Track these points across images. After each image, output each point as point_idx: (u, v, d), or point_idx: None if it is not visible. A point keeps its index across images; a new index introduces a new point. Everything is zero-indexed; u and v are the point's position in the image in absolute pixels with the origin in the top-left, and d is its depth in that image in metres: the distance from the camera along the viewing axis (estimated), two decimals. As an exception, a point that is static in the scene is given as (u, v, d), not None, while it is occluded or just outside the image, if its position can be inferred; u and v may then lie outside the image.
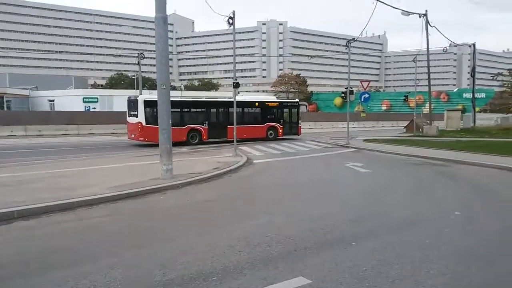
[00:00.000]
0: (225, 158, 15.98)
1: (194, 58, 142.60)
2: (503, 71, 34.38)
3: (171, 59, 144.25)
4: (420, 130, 32.51)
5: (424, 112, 47.18)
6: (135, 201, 8.54)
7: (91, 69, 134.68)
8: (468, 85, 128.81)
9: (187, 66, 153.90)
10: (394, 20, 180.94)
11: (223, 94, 53.19)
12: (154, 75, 20.79)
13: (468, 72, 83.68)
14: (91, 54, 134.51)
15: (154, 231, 6.32)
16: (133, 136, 23.29)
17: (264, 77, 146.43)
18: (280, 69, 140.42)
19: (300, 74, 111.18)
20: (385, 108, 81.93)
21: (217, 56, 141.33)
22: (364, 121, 56.11)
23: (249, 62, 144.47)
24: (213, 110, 25.94)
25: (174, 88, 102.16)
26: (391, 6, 24.13)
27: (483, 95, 72.16)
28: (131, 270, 4.66)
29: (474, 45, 38.62)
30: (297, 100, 31.40)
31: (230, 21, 15.89)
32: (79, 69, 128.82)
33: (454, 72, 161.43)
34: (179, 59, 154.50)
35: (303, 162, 15.88)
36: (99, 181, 10.12)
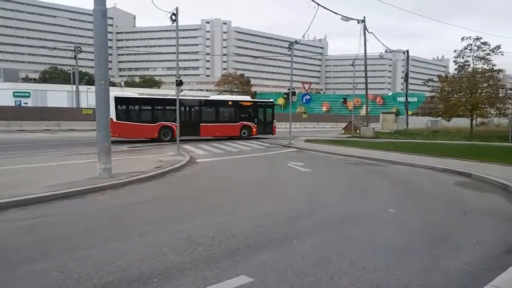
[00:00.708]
0: (168, 157, 15.73)
1: (135, 54, 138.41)
2: (433, 77, 36.50)
3: (110, 54, 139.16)
4: (358, 131, 33.89)
5: (361, 114, 49.26)
6: (71, 201, 8.15)
7: (23, 62, 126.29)
8: (401, 89, 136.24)
9: (128, 62, 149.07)
10: (335, 25, 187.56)
11: (167, 92, 52.04)
12: (92, 70, 19.97)
13: (402, 77, 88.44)
14: (22, 45, 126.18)
15: (90, 233, 6.05)
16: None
17: (208, 76, 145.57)
18: (224, 69, 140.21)
19: (244, 74, 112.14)
20: (325, 109, 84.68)
21: (159, 53, 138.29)
22: (306, 122, 57.50)
23: (193, 60, 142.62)
24: (186, 108, 26.25)
25: (113, 84, 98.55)
26: (332, 11, 24.90)
27: (415, 99, 77.28)
28: (66, 274, 4.42)
29: (407, 51, 41.02)
30: (271, 100, 31.49)
31: (173, 17, 15.59)
32: (8, 61, 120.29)
33: (389, 77, 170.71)
34: (119, 55, 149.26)
35: (246, 161, 15.97)
36: (33, 180, 9.53)
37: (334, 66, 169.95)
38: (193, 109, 26.61)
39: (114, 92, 24.60)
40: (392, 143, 24.36)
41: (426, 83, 35.73)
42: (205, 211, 7.48)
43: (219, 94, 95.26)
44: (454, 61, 32.92)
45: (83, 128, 36.53)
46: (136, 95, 27.04)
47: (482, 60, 31.15)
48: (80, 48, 49.45)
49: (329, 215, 7.34)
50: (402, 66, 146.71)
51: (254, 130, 28.37)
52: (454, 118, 34.71)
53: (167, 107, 25.48)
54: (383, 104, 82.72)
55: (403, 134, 34.18)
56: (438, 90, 33.19)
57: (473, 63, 31.60)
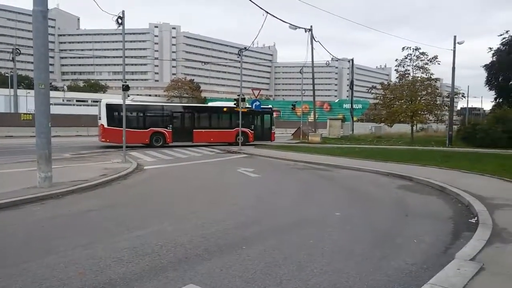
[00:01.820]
0: (113, 164, 15.25)
1: (79, 57, 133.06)
2: (377, 85, 37.94)
3: (52, 57, 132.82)
4: (306, 137, 34.57)
5: (309, 120, 50.24)
6: (7, 213, 7.68)
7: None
8: (347, 96, 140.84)
9: (71, 65, 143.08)
10: (283, 32, 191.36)
11: (113, 96, 50.43)
12: (32, 73, 18.98)
13: (347, 85, 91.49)
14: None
15: (28, 246, 5.70)
16: (100, 137, 24.39)
17: (156, 81, 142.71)
18: (173, 74, 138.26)
19: (193, 80, 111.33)
20: (275, 116, 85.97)
21: (105, 57, 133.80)
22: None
23: (141, 64, 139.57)
24: (178, 114, 26.70)
25: (55, 89, 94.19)
26: (280, 20, 25.31)
27: (360, 106, 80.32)
28: (-1, 291, 4.11)
29: (352, 60, 42.64)
30: (270, 106, 31.13)
31: (120, 20, 15.14)
32: None
33: (336, 84, 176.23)
34: (62, 58, 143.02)
35: (195, 168, 15.88)
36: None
37: (283, 73, 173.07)
38: (186, 116, 26.88)
39: (106, 99, 25.69)
40: (339, 148, 25.11)
41: (370, 90, 37.32)
42: (152, 219, 7.30)
43: (168, 99, 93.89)
44: (395, 70, 34.45)
45: (22, 135, 34.52)
46: (128, 102, 26.96)
47: (421, 69, 32.81)
48: (19, 50, 46.91)
49: (278, 220, 7.42)
50: (348, 74, 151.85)
51: (251, 136, 28.37)
52: (396, 124, 36.34)
53: (158, 114, 26.24)
54: (330, 110, 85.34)
55: (349, 140, 35.27)
56: (381, 97, 34.64)
57: (413, 72, 33.21)
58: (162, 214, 7.75)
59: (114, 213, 7.98)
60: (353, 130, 41.95)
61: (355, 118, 53.26)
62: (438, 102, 32.67)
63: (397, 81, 34.77)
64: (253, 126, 28.74)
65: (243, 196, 9.98)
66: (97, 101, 31.51)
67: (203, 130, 27.05)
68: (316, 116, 40.41)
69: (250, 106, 26.99)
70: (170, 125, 25.82)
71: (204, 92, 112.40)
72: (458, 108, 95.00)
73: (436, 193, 10.50)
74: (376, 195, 10.23)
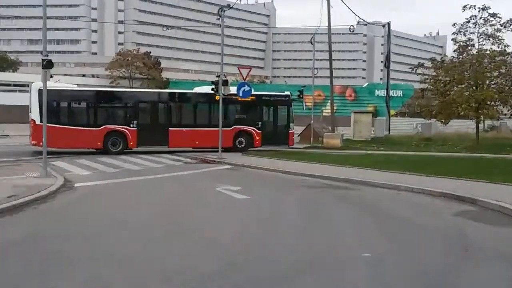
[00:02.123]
0: (29, 179, 15.23)
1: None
2: (425, 62, 37.70)
3: None
4: (320, 139, 34.54)
5: (324, 114, 50.18)
6: None
7: None
8: (381, 78, 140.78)
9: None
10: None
11: (34, 77, 50.08)
12: None
13: (382, 61, 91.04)
14: None
15: None
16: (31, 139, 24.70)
17: (94, 54, 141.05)
18: (120, 44, 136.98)
19: (150, 53, 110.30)
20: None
21: (16, 17, 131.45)
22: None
23: (71, 29, 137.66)
24: (146, 105, 26.98)
25: None
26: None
27: (400, 92, 79.44)
28: None
29: (388, 25, 42.57)
30: (287, 93, 31.07)
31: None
32: None
33: (364, 61, 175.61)
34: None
35: (153, 185, 15.98)
36: None
37: (285, 43, 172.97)
38: (158, 107, 27.16)
39: (38, 81, 24.48)
40: (369, 157, 25.20)
41: (414, 70, 37.07)
42: (82, 263, 7.27)
43: (111, 82, 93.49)
44: (452, 40, 34.44)
45: None
46: (72, 87, 27.60)
47: (491, 39, 32.62)
48: None
49: (274, 264, 7.40)
50: (382, 45, 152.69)
51: (258, 138, 28.34)
52: (454, 121, 36.44)
53: (117, 105, 26.51)
54: (356, 99, 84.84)
55: (383, 143, 35.40)
56: (432, 80, 34.50)
57: (479, 42, 33.07)
58: (97, 256, 7.74)
59: (25, 254, 7.83)
60: (389, 129, 42.07)
61: (392, 112, 53.21)
62: (516, 88, 32.59)
63: (455, 56, 34.70)
64: (260, 123, 28.75)
65: (224, 227, 9.96)
66: (19, 85, 31.54)
67: (184, 129, 27.36)
68: (335, 108, 40.52)
69: (237, 93, 26.67)
70: (135, 122, 26.06)
71: (166, 71, 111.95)
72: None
73: (508, 221, 10.73)
74: (423, 226, 10.32)
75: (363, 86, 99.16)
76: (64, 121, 25.20)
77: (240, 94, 26.42)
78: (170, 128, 26.71)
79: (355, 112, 45.21)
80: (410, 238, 9.33)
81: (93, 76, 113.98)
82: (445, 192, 14.06)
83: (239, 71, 27.76)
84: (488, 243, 9.05)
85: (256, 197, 13.80)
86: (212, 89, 25.21)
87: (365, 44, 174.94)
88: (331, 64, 36.28)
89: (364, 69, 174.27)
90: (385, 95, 44.60)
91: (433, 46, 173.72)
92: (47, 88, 24.42)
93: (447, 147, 32.92)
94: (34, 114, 23.87)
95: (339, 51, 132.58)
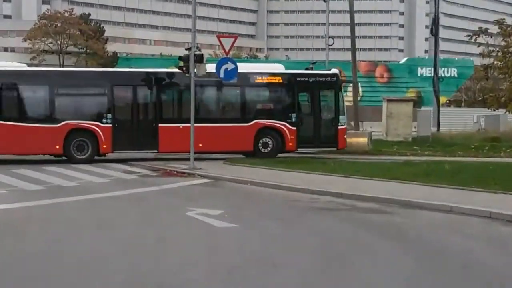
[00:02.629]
0: None
1: None
2: (489, 27, 33.58)
3: None
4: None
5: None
6: None
7: None
8: (426, 51, 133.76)
9: None
10: None
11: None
12: None
13: (427, 27, 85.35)
14: None
15: None
16: None
17: (7, 17, 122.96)
18: (45, 3, 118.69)
19: (90, 16, 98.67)
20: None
21: None
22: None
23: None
24: (124, 91, 23.90)
25: None
26: None
27: (453, 72, 72.51)
28: None
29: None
30: (335, 71, 27.49)
31: None
32: None
33: (402, 26, 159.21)
34: None
35: (93, 209, 14.39)
36: None
37: (285, 0, 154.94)
38: (142, 95, 24.31)
39: None
40: (409, 165, 22.80)
41: (474, 38, 33.52)
42: None
43: (33, 58, 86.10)
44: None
45: None
46: (19, 66, 25.23)
47: None
48: None
49: None
50: (427, 3, 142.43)
51: (291, 137, 24.81)
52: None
53: (85, 91, 23.84)
54: (390, 81, 77.20)
55: (430, 146, 32.24)
56: (499, 53, 30.99)
57: None
58: None
59: None
60: (439, 125, 38.90)
61: (443, 99, 49.50)
62: None
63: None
64: (294, 115, 25.14)
65: (197, 273, 8.40)
66: None
67: (180, 126, 24.07)
68: (360, 94, 37.64)
69: (217, 73, 23.42)
70: (108, 116, 23.19)
71: (114, 42, 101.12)
72: None
73: None
74: (488, 267, 8.82)
75: (401, 62, 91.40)
76: (7, 115, 22.82)
77: (221, 76, 22.98)
78: (160, 124, 23.59)
79: (389, 100, 41.07)
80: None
81: (5, 49, 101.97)
82: None
83: (219, 41, 24.52)
84: None
85: (244, 225, 12.28)
86: (180, 68, 22.27)
87: (402, 1, 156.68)
88: (353, 31, 33.20)
89: (401, 38, 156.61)
90: (432, 75, 40.62)
91: (503, 3, 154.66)
92: None
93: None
94: None
95: (365, 11, 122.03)
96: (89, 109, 23.78)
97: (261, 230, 12.12)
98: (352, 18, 33.64)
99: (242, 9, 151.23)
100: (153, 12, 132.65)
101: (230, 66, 22.97)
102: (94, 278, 8.25)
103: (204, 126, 23.55)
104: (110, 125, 23.23)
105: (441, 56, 40.72)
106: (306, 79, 25.74)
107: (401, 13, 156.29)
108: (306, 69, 33.63)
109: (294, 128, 24.78)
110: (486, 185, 16.62)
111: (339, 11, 32.34)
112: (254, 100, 25.08)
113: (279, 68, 27.29)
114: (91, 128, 22.98)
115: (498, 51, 32.14)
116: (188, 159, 22.60)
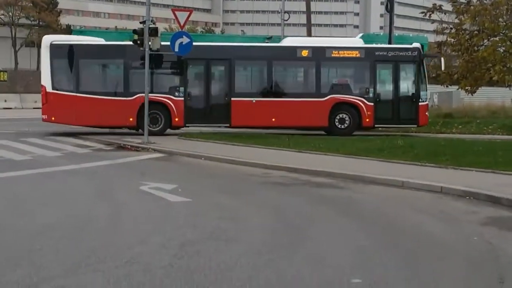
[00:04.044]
0: None
1: None
2: (442, 4, 36.18)
3: None
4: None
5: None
6: None
7: None
8: (381, 27, 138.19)
9: None
10: None
11: None
12: None
13: (382, 3, 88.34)
14: None
15: None
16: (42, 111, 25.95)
17: None
18: None
19: None
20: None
21: None
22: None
23: None
24: (197, 65, 26.58)
25: None
26: None
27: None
28: None
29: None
30: (416, 44, 28.53)
31: None
32: None
33: (357, 2, 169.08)
34: None
35: (44, 184, 15.19)
36: None
37: None
38: (215, 68, 26.77)
39: (51, 36, 26.88)
40: (362, 141, 24.16)
41: (428, 15, 35.93)
42: None
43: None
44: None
45: None
46: (98, 40, 27.52)
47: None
48: None
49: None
50: None
51: (368, 113, 26.36)
52: (484, 89, 35.86)
53: (157, 65, 25.70)
54: None
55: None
56: (453, 31, 33.57)
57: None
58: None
59: None
60: None
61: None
62: None
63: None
64: (372, 91, 26.82)
65: (150, 247, 9.25)
66: None
67: (252, 100, 26.30)
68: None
69: (171, 47, 25.04)
70: (181, 89, 25.57)
71: (67, 14, 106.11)
72: None
73: None
74: (438, 241, 9.96)
75: (356, 38, 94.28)
76: (86, 89, 25.35)
77: (176, 49, 24.71)
78: (233, 98, 25.62)
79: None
80: (421, 258, 8.80)
81: None
82: (468, 190, 13.69)
83: (174, 15, 26.59)
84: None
85: (200, 199, 13.28)
86: (134, 42, 23.94)
87: None
88: (308, 6, 35.21)
89: (357, 14, 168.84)
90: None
91: None
92: (63, 41, 25.39)
93: (474, 126, 32.05)
94: (45, 79, 24.34)
95: None
96: (162, 82, 26.06)
97: (214, 204, 12.68)
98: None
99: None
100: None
101: (185, 40, 24.52)
102: (35, 254, 8.57)
103: (276, 101, 25.88)
104: (182, 98, 25.50)
105: (396, 33, 42.68)
106: (386, 53, 27.11)
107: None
108: (266, 40, 35.94)
109: (372, 104, 26.18)
110: (438, 161, 17.95)
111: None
112: (330, 74, 26.75)
113: (358, 42, 28.67)
114: (164, 101, 25.31)
115: (451, 28, 33.41)
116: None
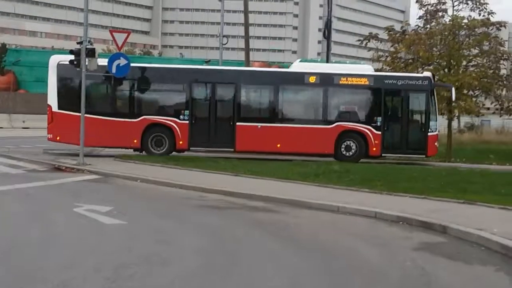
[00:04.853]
0: None
1: None
2: (379, 33, 37.79)
3: None
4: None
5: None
6: None
7: None
8: (318, 54, 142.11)
9: None
10: None
11: None
12: None
13: (320, 29, 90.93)
14: None
15: None
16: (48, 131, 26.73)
17: None
18: None
19: None
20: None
21: None
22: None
23: None
24: (203, 88, 27.50)
25: None
26: None
27: None
28: None
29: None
30: (427, 74, 29.13)
31: None
32: None
33: (296, 28, 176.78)
34: None
35: None
36: None
37: None
38: (220, 92, 27.47)
39: (58, 55, 27.16)
40: (299, 165, 25.14)
41: (365, 43, 37.41)
42: None
43: None
44: (417, 2, 35.33)
45: None
46: (103, 61, 27.08)
47: (470, 2, 33.34)
48: None
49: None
50: (321, 6, 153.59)
51: (375, 142, 27.11)
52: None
53: (164, 87, 27.99)
54: None
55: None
56: (388, 59, 34.92)
57: (454, 6, 33.77)
58: None
59: None
60: None
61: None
62: (503, 72, 33.25)
63: (421, 25, 35.28)
64: (380, 119, 27.59)
65: (83, 271, 9.48)
66: None
67: (258, 125, 27.22)
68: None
69: (109, 68, 25.81)
70: (186, 112, 26.48)
71: (3, 33, 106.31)
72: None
73: (495, 261, 10.81)
74: (371, 266, 10.37)
75: (295, 63, 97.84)
76: (91, 109, 25.79)
77: (113, 71, 25.53)
78: (238, 123, 26.55)
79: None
80: (357, 285, 9.41)
81: None
82: (402, 215, 14.51)
83: (112, 36, 27.45)
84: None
85: (134, 220, 13.72)
86: (71, 62, 24.48)
87: (296, 3, 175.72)
88: (247, 31, 36.27)
89: (295, 40, 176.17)
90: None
91: (392, 10, 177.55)
92: (65, 63, 25.36)
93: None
94: (51, 98, 25.34)
95: (260, 12, 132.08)
96: (167, 105, 27.13)
97: (150, 227, 13.08)
98: (246, 18, 35.86)
99: (137, 5, 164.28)
100: (45, 4, 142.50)
101: (122, 61, 25.42)
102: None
103: (282, 127, 26.75)
104: (187, 121, 26.48)
105: (333, 59, 44.23)
106: (395, 81, 27.92)
107: (295, 15, 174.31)
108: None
109: (379, 132, 27.02)
110: (373, 186, 18.77)
111: (234, 11, 35.21)
112: (337, 101, 27.32)
113: (367, 69, 29.68)
114: (168, 124, 26.34)
115: (387, 56, 34.92)
116: (78, 155, 23.80)
